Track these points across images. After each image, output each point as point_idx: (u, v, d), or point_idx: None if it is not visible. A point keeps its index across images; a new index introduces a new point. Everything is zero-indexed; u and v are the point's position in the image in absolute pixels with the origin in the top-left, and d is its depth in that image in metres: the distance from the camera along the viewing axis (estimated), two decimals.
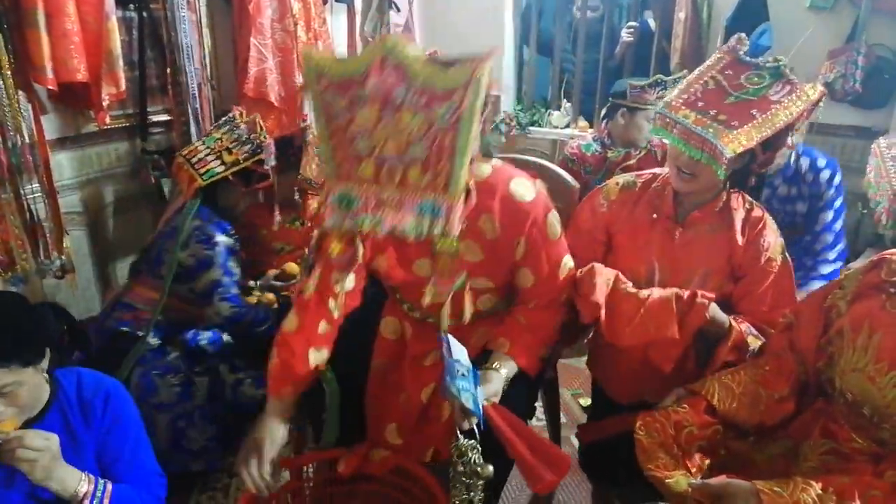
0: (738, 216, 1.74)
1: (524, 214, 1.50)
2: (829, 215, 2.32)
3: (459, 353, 1.39)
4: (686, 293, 1.66)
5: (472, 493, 1.33)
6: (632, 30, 3.37)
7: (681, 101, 1.66)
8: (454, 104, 1.07)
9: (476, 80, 1.05)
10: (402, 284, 1.63)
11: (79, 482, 1.22)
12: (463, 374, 1.33)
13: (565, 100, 3.79)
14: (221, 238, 2.12)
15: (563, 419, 2.21)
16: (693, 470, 1.42)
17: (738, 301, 1.78)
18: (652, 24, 3.50)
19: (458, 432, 1.34)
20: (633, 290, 1.69)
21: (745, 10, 2.78)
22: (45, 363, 1.24)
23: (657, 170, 1.88)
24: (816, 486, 1.22)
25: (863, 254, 2.53)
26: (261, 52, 2.79)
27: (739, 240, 1.73)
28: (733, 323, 1.68)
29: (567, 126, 3.70)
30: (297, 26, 2.94)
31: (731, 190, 1.76)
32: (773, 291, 1.74)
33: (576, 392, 2.58)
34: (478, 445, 1.31)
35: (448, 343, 1.38)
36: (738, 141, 1.55)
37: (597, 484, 2.14)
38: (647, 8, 3.58)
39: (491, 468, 1.31)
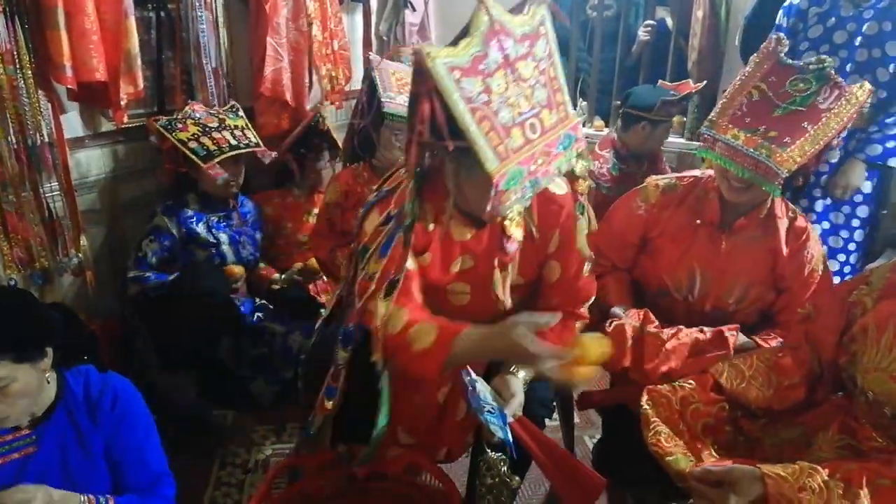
0: (783, 225, 1.71)
1: (559, 207, 1.52)
2: None
3: (481, 389, 1.37)
4: (709, 332, 1.66)
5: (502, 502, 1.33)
6: (649, 28, 3.34)
7: (726, 119, 1.61)
8: (545, 38, 1.21)
9: (548, 14, 1.19)
10: (433, 286, 1.56)
11: None
12: (490, 412, 1.32)
13: (581, 99, 3.76)
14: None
15: (576, 419, 2.20)
16: (705, 453, 1.41)
17: (779, 311, 1.75)
18: (669, 22, 3.47)
19: (486, 446, 1.33)
20: (656, 330, 1.69)
21: (764, 7, 2.74)
22: (45, 363, 1.23)
23: (697, 172, 1.82)
24: (823, 472, 1.19)
25: (882, 254, 2.49)
26: (277, 52, 2.81)
27: (784, 250, 1.70)
28: (760, 342, 1.67)
29: (583, 125, 3.68)
30: (312, 26, 2.96)
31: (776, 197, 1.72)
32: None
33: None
34: (506, 458, 1.32)
35: (467, 381, 1.38)
36: (792, 159, 1.51)
37: (610, 481, 2.12)
38: (661, 4, 3.55)
39: (519, 479, 1.33)
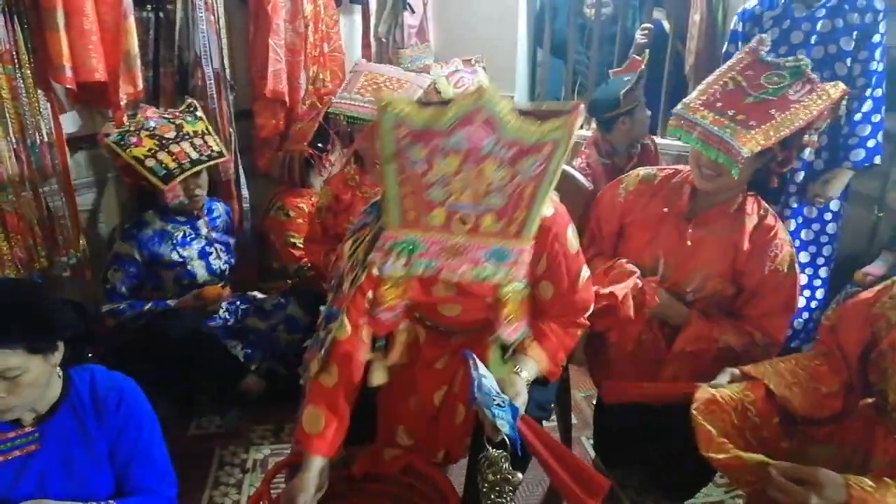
0: (750, 222, 1.75)
1: (546, 230, 1.47)
2: None
3: (485, 372, 1.37)
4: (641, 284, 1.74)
5: (503, 501, 1.33)
6: (646, 31, 3.35)
7: (699, 102, 1.66)
8: (542, 157, 1.08)
9: (569, 135, 1.06)
10: (418, 303, 1.59)
11: None
12: (499, 405, 1.32)
13: (586, 97, 3.78)
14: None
15: (574, 420, 2.21)
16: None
17: (739, 306, 1.78)
18: (666, 25, 3.48)
19: (487, 443, 1.34)
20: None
21: None
22: (56, 357, 1.24)
23: (680, 166, 1.88)
24: None
25: (878, 256, 2.51)
26: (277, 53, 2.82)
27: (745, 245, 1.73)
28: (694, 315, 1.73)
29: (581, 127, 3.69)
30: (308, 28, 2.97)
31: (749, 193, 1.75)
32: (772, 300, 1.75)
33: (588, 393, 2.57)
34: (507, 454, 1.32)
35: (473, 360, 1.38)
36: (755, 140, 1.55)
37: (610, 471, 2.15)
38: (658, 6, 3.56)
39: (520, 476, 1.32)
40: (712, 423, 1.42)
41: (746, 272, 1.75)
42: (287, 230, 2.75)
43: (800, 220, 2.48)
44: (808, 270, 2.53)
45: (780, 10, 2.35)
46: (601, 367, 1.97)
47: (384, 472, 1.65)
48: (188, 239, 2.36)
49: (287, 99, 2.93)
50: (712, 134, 1.58)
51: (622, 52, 3.55)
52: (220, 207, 2.55)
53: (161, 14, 2.50)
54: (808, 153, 2.36)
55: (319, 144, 2.88)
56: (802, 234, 2.50)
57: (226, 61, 2.69)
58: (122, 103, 2.30)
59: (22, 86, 2.03)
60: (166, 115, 2.29)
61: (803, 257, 2.50)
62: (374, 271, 1.21)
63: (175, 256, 2.32)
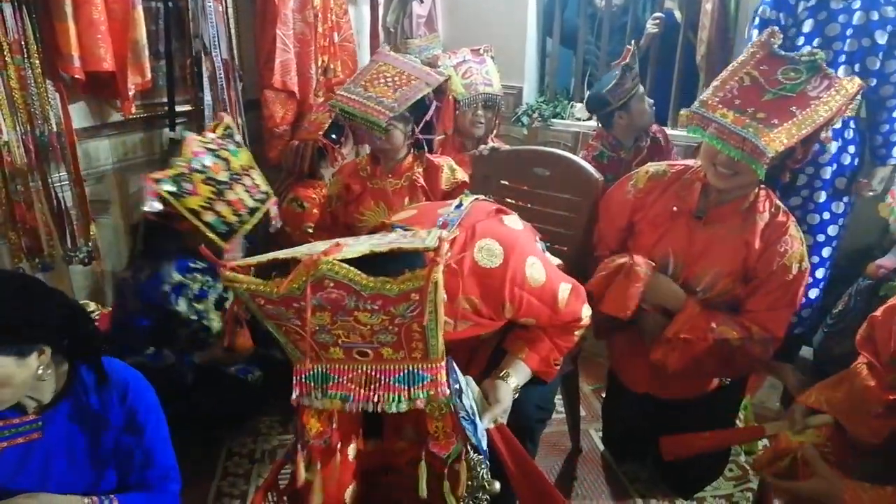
0: (762, 219, 1.72)
1: (499, 281, 1.41)
2: None
3: (463, 384, 1.34)
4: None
5: None
6: (657, 21, 3.31)
7: (717, 99, 1.62)
8: (413, 301, 1.01)
9: (433, 285, 0.98)
10: None
11: None
12: (464, 417, 1.30)
13: (588, 91, 3.75)
14: None
15: (582, 413, 2.21)
16: None
17: (744, 299, 1.77)
18: (677, 14, 3.44)
19: (469, 447, 1.33)
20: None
21: None
22: (40, 359, 1.19)
23: (690, 162, 1.85)
24: None
25: (891, 250, 2.48)
26: (284, 44, 2.81)
27: (756, 244, 1.71)
28: (691, 300, 1.72)
29: (590, 118, 3.66)
30: (318, 18, 2.96)
31: (761, 188, 1.73)
32: (777, 295, 1.73)
33: (597, 386, 2.56)
34: (486, 461, 1.31)
35: (452, 366, 1.33)
36: (778, 140, 1.51)
37: (618, 465, 2.16)
38: None
39: (498, 485, 1.31)
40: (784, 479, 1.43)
41: (757, 268, 1.73)
42: (305, 221, 2.76)
43: (826, 215, 2.44)
44: (828, 264, 2.51)
45: (815, 1, 2.29)
46: (619, 356, 1.98)
47: (393, 465, 1.66)
48: (205, 289, 2.05)
49: (296, 89, 2.92)
50: (733, 132, 1.55)
51: (632, 42, 3.52)
52: None
53: (170, 4, 2.49)
54: (833, 146, 2.34)
55: (333, 136, 2.87)
56: (829, 230, 2.46)
57: (234, 51, 2.68)
58: (131, 93, 2.29)
59: (31, 76, 2.03)
60: (212, 146, 1.98)
61: (825, 252, 2.47)
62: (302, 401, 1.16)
63: (192, 315, 2.02)
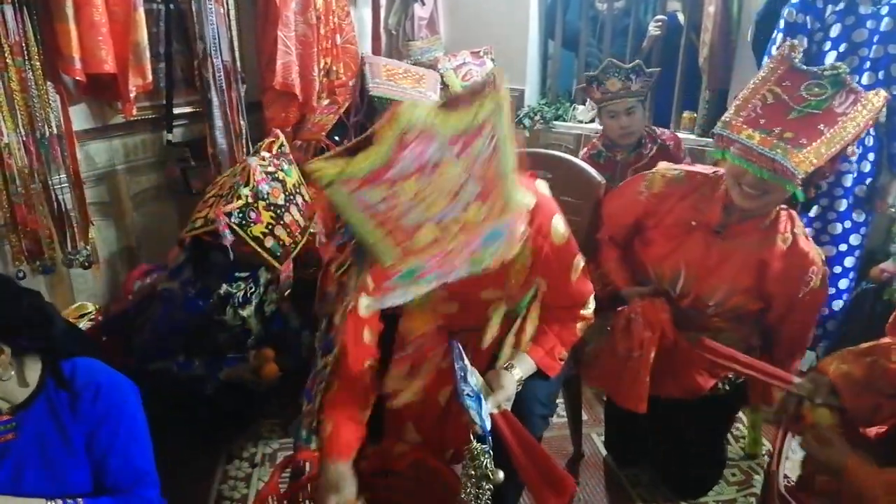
0: (782, 241, 1.70)
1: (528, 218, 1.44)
2: None
3: (467, 364, 1.38)
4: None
5: (480, 497, 1.32)
6: (660, 23, 3.31)
7: (741, 119, 1.59)
8: (487, 133, 1.06)
9: (504, 102, 1.05)
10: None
11: None
12: (468, 395, 1.33)
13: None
14: None
15: (584, 416, 2.20)
16: None
17: (773, 324, 1.80)
18: (680, 17, 3.44)
19: (472, 436, 1.33)
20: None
21: (776, 4, 2.72)
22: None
23: (709, 170, 1.80)
24: None
25: (894, 255, 2.48)
26: (286, 45, 2.80)
27: (775, 265, 1.70)
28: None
29: (592, 121, 3.65)
30: (320, 20, 2.95)
31: (783, 208, 1.72)
32: (805, 317, 1.79)
33: (599, 391, 2.55)
34: (490, 451, 1.31)
35: (458, 350, 1.38)
36: (808, 160, 1.49)
37: (620, 469, 2.15)
38: None
39: (501, 474, 1.31)
40: None
41: (777, 294, 1.72)
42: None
43: (848, 224, 2.42)
44: (852, 274, 2.48)
45: (844, 5, 2.26)
46: (604, 377, 1.95)
47: (393, 468, 1.65)
48: (248, 296, 2.15)
49: (298, 91, 2.91)
50: (761, 154, 1.52)
51: (635, 44, 3.51)
52: None
53: (171, 6, 2.49)
54: (853, 157, 2.31)
55: (336, 138, 2.86)
56: (852, 239, 2.43)
57: (236, 53, 2.68)
58: (132, 95, 2.29)
59: (32, 78, 2.03)
60: (270, 170, 2.03)
61: (848, 262, 2.44)
62: (362, 311, 1.22)
63: (236, 321, 2.12)
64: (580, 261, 1.56)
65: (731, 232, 1.72)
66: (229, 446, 2.23)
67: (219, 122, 2.62)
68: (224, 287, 2.06)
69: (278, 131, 2.22)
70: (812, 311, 1.77)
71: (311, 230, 2.63)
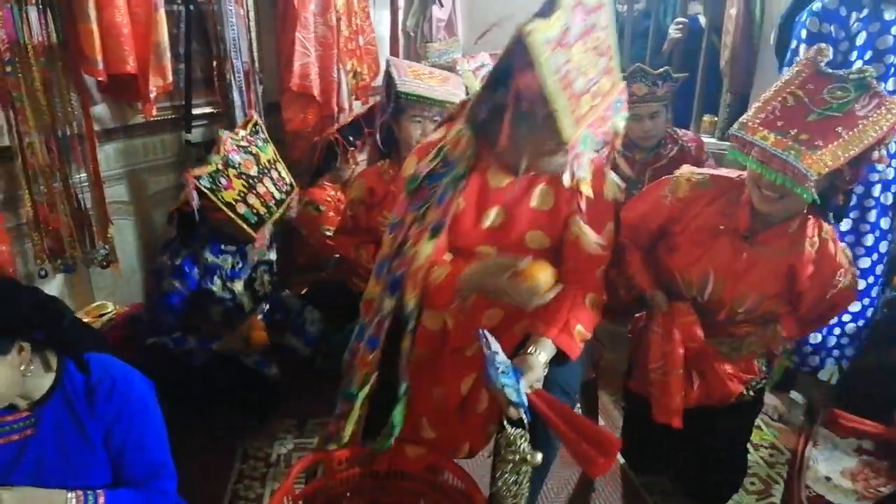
0: (810, 245, 1.68)
1: (591, 164, 1.55)
2: None
3: (496, 347, 1.40)
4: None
5: (520, 481, 1.34)
6: (680, 25, 3.28)
7: (758, 121, 1.57)
8: (606, 6, 1.32)
9: None
10: (463, 248, 1.63)
11: (65, 503, 1.23)
12: (503, 371, 1.35)
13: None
14: None
15: (601, 422, 2.18)
16: None
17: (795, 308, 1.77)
18: (701, 19, 3.41)
19: (506, 422, 1.34)
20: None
21: (799, 7, 2.68)
22: (18, 357, 1.20)
23: (733, 174, 1.78)
24: None
25: None
26: (304, 47, 2.81)
27: (806, 269, 1.68)
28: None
29: None
30: (340, 21, 2.96)
31: (808, 214, 1.69)
32: (826, 314, 1.79)
33: (617, 397, 2.52)
34: (526, 434, 1.33)
35: (486, 338, 1.41)
36: (822, 162, 1.46)
37: (637, 476, 2.13)
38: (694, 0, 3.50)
39: (539, 456, 1.33)
40: None
41: (809, 299, 1.72)
42: (321, 224, 2.75)
43: (878, 233, 2.36)
44: (881, 280, 2.42)
45: (868, 11, 2.20)
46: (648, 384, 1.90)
47: (408, 469, 1.64)
48: (237, 269, 2.24)
49: (317, 92, 2.91)
50: (774, 156, 1.50)
51: (655, 46, 3.49)
52: None
53: (191, 7, 2.50)
54: (881, 166, 2.24)
55: (350, 137, 2.86)
56: (881, 247, 2.37)
57: (255, 54, 2.69)
58: (152, 96, 2.30)
59: (54, 78, 2.05)
60: (243, 144, 2.16)
61: (879, 269, 2.39)
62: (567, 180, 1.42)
63: (225, 294, 2.20)
64: (611, 230, 1.64)
65: (759, 238, 1.70)
66: (245, 445, 2.23)
67: (238, 123, 2.63)
68: (210, 257, 2.15)
69: (252, 112, 2.32)
70: (838, 306, 1.76)
71: (326, 232, 2.66)
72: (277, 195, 2.18)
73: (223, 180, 2.03)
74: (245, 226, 2.07)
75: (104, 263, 2.32)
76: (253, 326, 2.24)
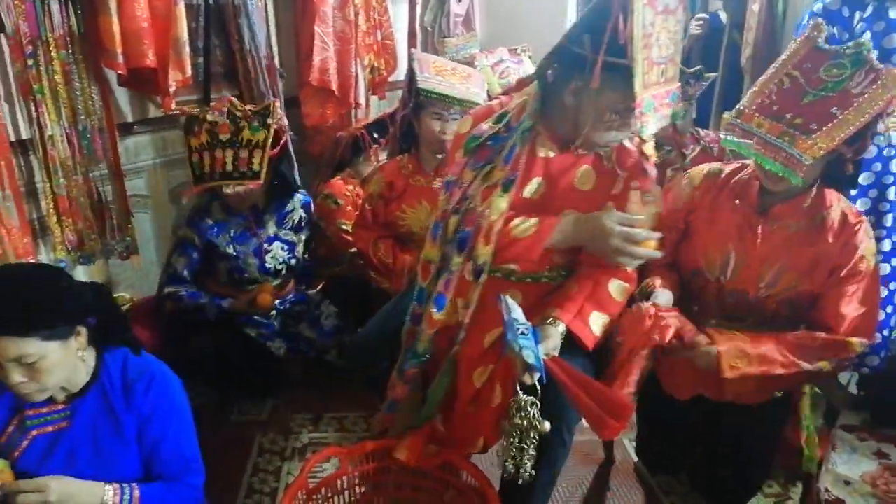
0: (833, 215, 1.66)
1: (628, 153, 1.63)
2: None
3: (517, 312, 1.41)
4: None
5: (526, 449, 1.35)
6: (701, 21, 3.24)
7: (754, 107, 1.58)
8: (681, 7, 1.46)
9: None
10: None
11: (104, 495, 1.24)
12: (523, 333, 1.36)
13: None
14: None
15: None
16: None
17: (822, 295, 1.70)
18: (722, 16, 3.37)
19: (519, 388, 1.36)
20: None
21: None
22: (78, 341, 1.23)
23: (747, 161, 1.78)
24: None
25: None
26: (323, 41, 2.81)
27: (830, 238, 1.66)
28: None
29: None
30: (359, 16, 2.95)
31: (825, 186, 1.67)
32: (861, 294, 1.66)
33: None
34: (537, 402, 1.34)
35: (507, 304, 1.43)
36: (816, 146, 1.46)
37: (651, 478, 2.11)
38: None
39: (548, 424, 1.34)
40: None
41: (836, 268, 1.67)
42: (338, 218, 2.76)
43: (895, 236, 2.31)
44: None
45: (872, 10, 2.15)
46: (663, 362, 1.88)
47: (423, 466, 1.64)
48: (246, 234, 2.36)
49: (335, 87, 2.91)
50: (769, 143, 1.51)
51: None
52: (296, 203, 2.49)
53: (210, 1, 2.51)
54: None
55: (375, 134, 2.86)
56: None
57: (274, 49, 2.69)
58: (172, 90, 2.31)
59: (75, 71, 2.06)
60: (237, 112, 2.25)
61: None
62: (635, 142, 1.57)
63: (230, 250, 2.33)
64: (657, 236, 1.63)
65: (774, 213, 1.70)
66: (260, 438, 2.25)
67: None
68: (220, 213, 2.35)
69: (274, 102, 2.36)
70: (868, 286, 1.67)
71: (343, 226, 2.66)
72: (227, 168, 2.23)
73: (196, 127, 2.23)
74: (189, 170, 2.24)
75: (125, 255, 2.34)
76: (261, 290, 2.37)
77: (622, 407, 1.38)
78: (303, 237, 2.52)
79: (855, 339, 1.64)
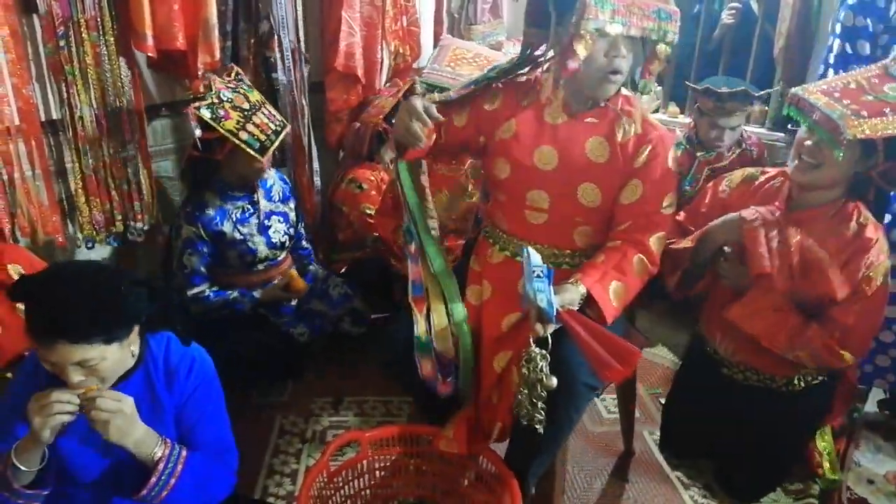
0: (849, 229, 1.68)
1: (655, 129, 1.64)
2: None
3: (536, 258, 1.42)
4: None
5: (534, 403, 1.37)
6: (733, 11, 3.18)
7: (819, 89, 1.66)
8: None
9: None
10: (513, 196, 1.70)
11: (155, 445, 1.25)
12: (538, 276, 1.37)
13: (656, 83, 3.63)
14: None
15: (637, 414, 2.15)
16: None
17: (828, 309, 1.72)
18: (754, 5, 3.30)
19: (531, 341, 1.37)
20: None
21: None
22: (132, 338, 1.25)
23: (785, 167, 1.83)
24: None
25: None
26: (350, 27, 2.80)
27: (842, 251, 1.68)
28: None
29: (656, 111, 3.56)
30: (386, 1, 2.94)
31: (851, 200, 1.70)
32: (859, 311, 1.68)
33: (654, 391, 2.49)
34: (547, 356, 1.35)
35: (527, 252, 1.43)
36: (861, 128, 1.53)
37: (672, 470, 2.11)
38: None
39: (555, 380, 1.35)
40: None
41: (839, 280, 1.68)
42: (361, 202, 2.76)
43: None
44: None
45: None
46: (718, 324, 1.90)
47: (441, 454, 1.65)
48: (247, 215, 2.32)
49: (361, 73, 2.91)
50: (821, 112, 1.59)
51: (706, 32, 3.39)
52: (273, 176, 2.45)
53: None
54: None
55: (394, 122, 2.85)
56: None
57: (301, 33, 2.69)
58: (200, 73, 2.32)
59: (105, 52, 2.08)
60: (230, 85, 2.23)
61: None
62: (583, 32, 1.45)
63: (237, 235, 2.28)
64: (673, 202, 1.65)
65: (797, 218, 1.72)
66: (281, 420, 2.27)
67: (283, 102, 2.64)
68: (217, 201, 2.26)
69: (232, 65, 2.37)
70: (868, 305, 1.68)
71: (366, 211, 2.67)
72: (273, 126, 2.23)
73: (221, 111, 2.12)
74: (248, 150, 2.13)
75: (149, 236, 2.37)
76: (291, 276, 2.41)
77: (629, 353, 1.39)
78: (292, 206, 2.49)
79: (848, 354, 1.68)
